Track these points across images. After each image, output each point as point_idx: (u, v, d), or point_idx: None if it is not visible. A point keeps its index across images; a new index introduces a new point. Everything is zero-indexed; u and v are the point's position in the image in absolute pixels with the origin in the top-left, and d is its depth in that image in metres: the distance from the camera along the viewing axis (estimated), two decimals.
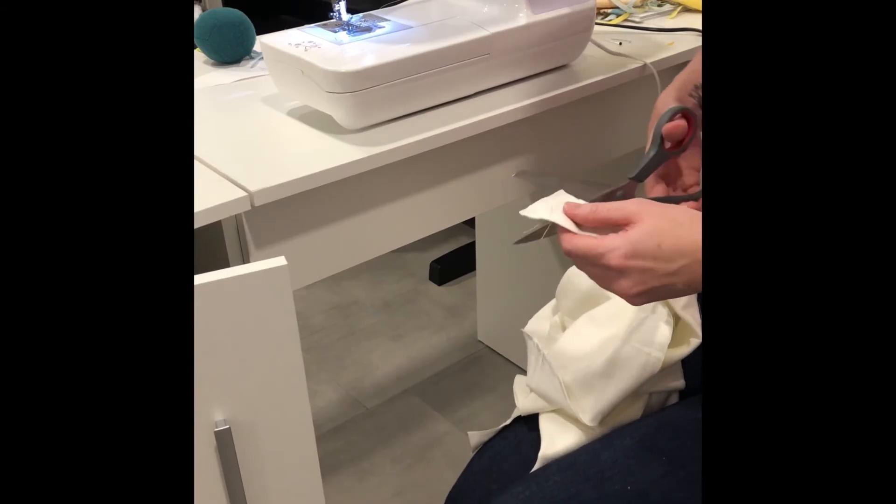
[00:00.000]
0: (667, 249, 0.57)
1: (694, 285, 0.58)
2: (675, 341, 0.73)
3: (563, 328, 0.81)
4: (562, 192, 0.66)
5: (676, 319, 0.74)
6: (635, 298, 0.60)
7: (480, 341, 1.77)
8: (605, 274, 0.60)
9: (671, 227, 0.57)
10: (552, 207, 0.63)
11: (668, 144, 0.73)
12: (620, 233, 0.59)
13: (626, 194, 0.70)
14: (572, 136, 0.97)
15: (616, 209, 0.60)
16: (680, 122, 0.73)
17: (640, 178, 0.72)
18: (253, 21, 0.99)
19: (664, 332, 0.72)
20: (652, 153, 0.72)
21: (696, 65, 0.78)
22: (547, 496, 0.66)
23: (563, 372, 0.74)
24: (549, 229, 0.64)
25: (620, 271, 0.58)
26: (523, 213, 0.65)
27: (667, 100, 0.75)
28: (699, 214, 0.58)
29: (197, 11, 1.10)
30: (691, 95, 0.76)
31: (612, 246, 0.58)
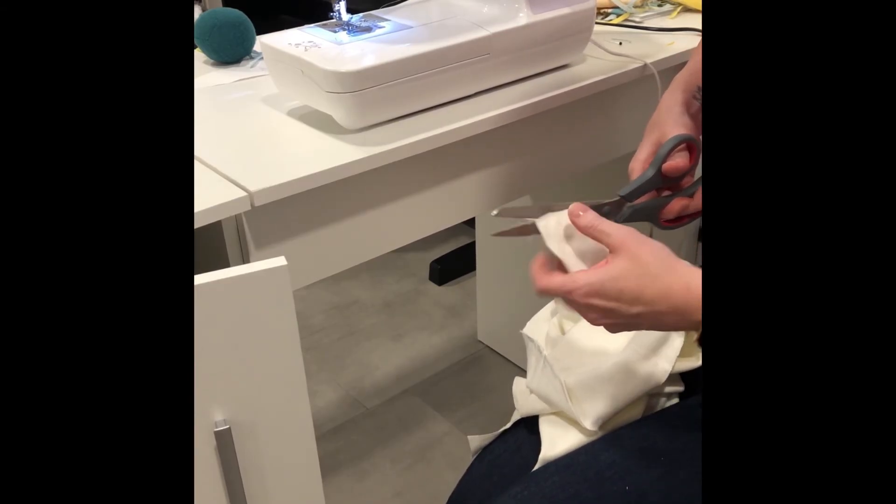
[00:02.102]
0: (627, 295, 0.60)
1: (658, 328, 0.62)
2: (683, 352, 0.72)
3: (563, 331, 0.81)
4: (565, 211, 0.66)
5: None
6: (607, 328, 0.63)
7: (480, 341, 1.77)
8: (576, 307, 0.63)
9: (638, 274, 0.60)
10: (559, 221, 0.65)
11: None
12: (591, 269, 0.62)
13: (613, 211, 0.70)
14: (572, 136, 0.97)
15: (610, 234, 0.62)
16: (680, 163, 0.71)
17: (631, 198, 0.70)
18: (253, 21, 0.99)
19: (675, 342, 0.72)
20: (650, 175, 0.70)
21: (696, 65, 0.77)
22: (546, 496, 0.66)
23: (566, 374, 0.74)
24: (534, 230, 0.66)
25: (586, 306, 0.62)
26: (537, 222, 0.66)
27: (672, 103, 0.74)
28: (674, 266, 0.60)
29: (197, 11, 1.10)
30: (695, 97, 0.75)
31: (578, 285, 0.61)
